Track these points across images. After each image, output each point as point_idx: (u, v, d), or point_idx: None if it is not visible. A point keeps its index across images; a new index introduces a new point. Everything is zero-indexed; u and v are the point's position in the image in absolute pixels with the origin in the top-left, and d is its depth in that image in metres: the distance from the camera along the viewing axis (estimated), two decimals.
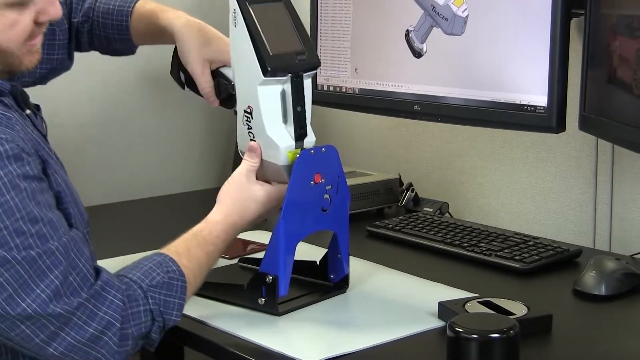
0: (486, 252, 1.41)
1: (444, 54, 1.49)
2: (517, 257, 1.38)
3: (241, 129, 1.18)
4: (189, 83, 1.29)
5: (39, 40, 1.04)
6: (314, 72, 1.18)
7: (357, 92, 1.65)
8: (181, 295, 1.05)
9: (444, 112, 1.50)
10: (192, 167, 2.01)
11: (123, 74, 1.89)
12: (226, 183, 1.16)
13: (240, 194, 1.14)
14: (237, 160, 1.23)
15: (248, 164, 1.16)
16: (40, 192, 0.97)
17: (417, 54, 1.53)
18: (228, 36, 1.23)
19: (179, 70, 1.30)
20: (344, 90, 1.66)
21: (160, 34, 1.28)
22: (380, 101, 1.60)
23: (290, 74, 1.14)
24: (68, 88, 1.70)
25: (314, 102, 1.19)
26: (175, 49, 1.30)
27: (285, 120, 1.16)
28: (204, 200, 1.89)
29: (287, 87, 1.15)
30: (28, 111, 1.08)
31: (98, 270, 1.01)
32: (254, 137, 1.16)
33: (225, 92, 1.22)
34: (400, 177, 1.76)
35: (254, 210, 1.14)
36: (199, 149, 2.02)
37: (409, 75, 1.55)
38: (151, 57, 1.32)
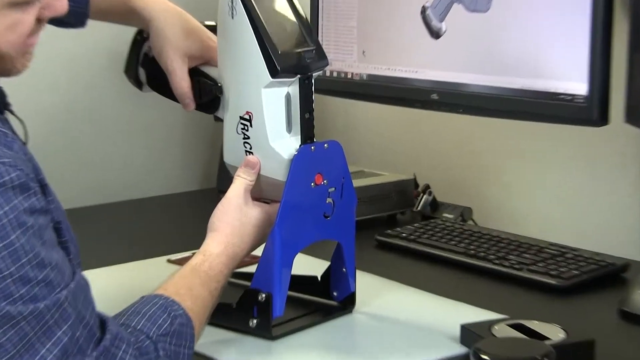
0: (516, 266, 1.41)
1: (466, 35, 1.48)
2: (552, 272, 1.37)
3: (233, 138, 1.17)
4: (153, 81, 1.27)
5: (36, 40, 0.99)
6: (321, 71, 1.18)
7: (364, 78, 1.64)
8: (190, 344, 1.03)
9: (467, 102, 1.50)
10: (174, 165, 2.01)
11: (93, 56, 1.88)
12: (220, 206, 1.14)
13: (240, 220, 1.13)
14: (222, 161, 1.22)
15: (245, 182, 1.15)
16: (46, 228, 0.93)
17: (435, 34, 1.53)
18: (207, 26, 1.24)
19: (137, 66, 1.27)
20: (349, 76, 1.66)
21: (127, 15, 1.25)
22: (391, 89, 1.59)
23: (299, 75, 1.14)
24: (27, 71, 1.68)
25: (314, 90, 1.19)
26: (135, 41, 1.27)
27: (289, 129, 1.16)
28: (187, 204, 1.93)
29: (293, 89, 1.15)
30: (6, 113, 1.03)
31: (103, 321, 0.97)
32: (251, 148, 1.16)
33: (209, 94, 1.20)
34: (415, 177, 1.76)
35: (253, 236, 1.14)
36: (182, 144, 2.02)
37: (425, 59, 1.55)
38: (126, 36, 1.31)
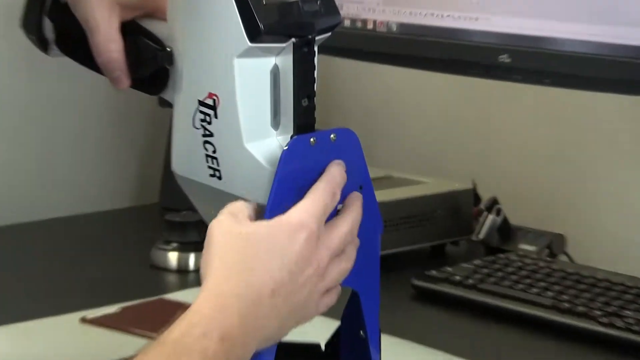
0: (636, 328, 1.41)
1: None
2: None
3: (187, 134, 1.17)
4: (65, 41, 1.27)
5: None
6: (329, 35, 1.18)
7: (393, 30, 1.65)
8: None
9: (556, 67, 1.51)
10: (92, 171, 2.03)
11: None
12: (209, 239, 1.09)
13: (233, 248, 1.08)
14: (168, 168, 1.22)
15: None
16: None
17: None
18: None
19: (41, 16, 1.27)
20: (369, 26, 1.67)
21: None
22: (436, 47, 1.61)
23: (294, 38, 1.14)
24: None
25: (318, 50, 1.18)
26: None
27: (276, 123, 1.16)
28: (113, 230, 1.93)
29: (284, 61, 1.15)
30: None
31: None
32: (214, 150, 1.16)
33: (152, 64, 1.21)
34: (475, 187, 1.77)
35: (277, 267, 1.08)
36: (106, 140, 2.04)
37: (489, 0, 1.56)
38: None
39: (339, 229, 1.11)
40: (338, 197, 1.12)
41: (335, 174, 1.13)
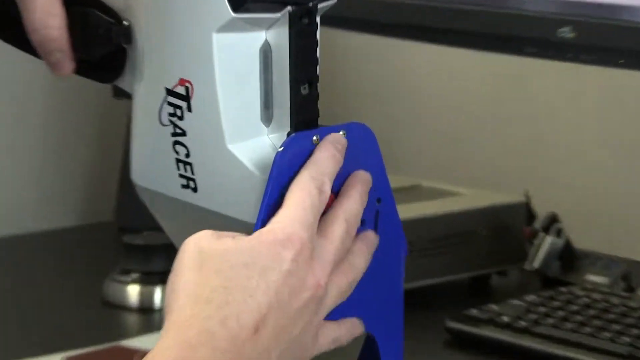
0: None
1: None
2: None
3: (153, 134, 1.19)
4: None
5: None
6: (334, 1, 1.20)
7: None
8: None
9: (632, 44, 1.53)
10: (32, 184, 2.06)
11: None
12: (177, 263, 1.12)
13: (202, 267, 1.10)
14: (126, 178, 1.24)
15: None
16: None
17: None
18: None
19: None
20: None
21: None
22: (475, 18, 1.62)
23: (289, 7, 1.16)
24: None
25: (320, 22, 1.20)
26: None
27: (267, 117, 1.18)
28: (59, 254, 1.95)
29: (276, 36, 1.17)
30: None
31: None
32: (187, 154, 1.18)
33: (104, 43, 1.23)
34: (528, 200, 1.78)
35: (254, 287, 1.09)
36: (44, 142, 2.07)
37: None
38: None
39: (332, 232, 1.12)
40: (328, 189, 1.13)
41: (320, 161, 1.14)
